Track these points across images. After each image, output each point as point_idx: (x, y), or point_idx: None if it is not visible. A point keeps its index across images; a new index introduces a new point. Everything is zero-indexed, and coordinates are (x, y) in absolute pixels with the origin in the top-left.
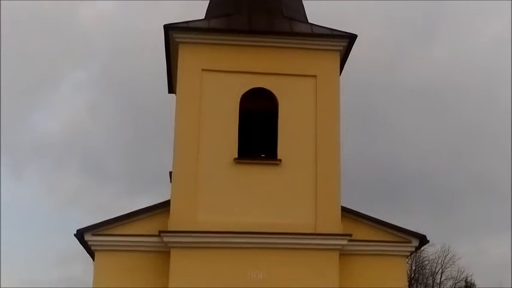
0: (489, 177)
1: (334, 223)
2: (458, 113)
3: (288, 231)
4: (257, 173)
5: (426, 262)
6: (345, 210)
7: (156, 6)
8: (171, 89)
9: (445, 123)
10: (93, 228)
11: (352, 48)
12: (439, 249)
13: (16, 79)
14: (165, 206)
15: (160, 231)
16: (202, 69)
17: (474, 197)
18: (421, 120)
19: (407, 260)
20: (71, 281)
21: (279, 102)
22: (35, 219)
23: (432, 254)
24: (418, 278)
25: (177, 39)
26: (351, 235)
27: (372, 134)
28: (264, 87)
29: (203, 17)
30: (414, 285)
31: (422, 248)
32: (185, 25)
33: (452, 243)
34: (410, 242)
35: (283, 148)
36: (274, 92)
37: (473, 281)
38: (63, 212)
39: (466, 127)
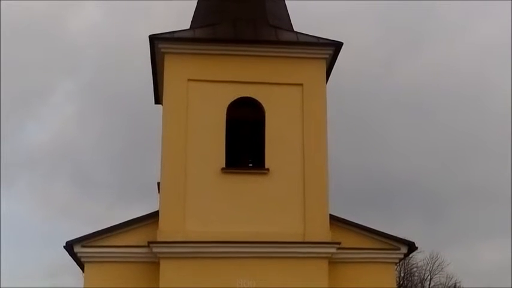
0: (477, 184)
1: (322, 231)
2: (446, 120)
3: (277, 240)
4: (245, 183)
5: (415, 269)
6: (333, 218)
7: (145, 17)
8: (158, 99)
9: (433, 130)
10: (83, 240)
11: (339, 56)
12: (428, 256)
13: (5, 90)
14: (153, 216)
15: (149, 242)
16: (188, 79)
17: (462, 204)
18: (409, 127)
19: (396, 267)
20: None
21: (266, 111)
22: (25, 232)
23: (421, 261)
24: (407, 285)
25: (162, 50)
26: (339, 243)
27: (361, 141)
28: (251, 96)
29: (188, 27)
30: None
31: (410, 255)
32: (170, 35)
33: (441, 250)
34: (398, 249)
35: (270, 157)
36: (260, 101)
37: (461, 287)
38: (54, 224)
39: (454, 134)
